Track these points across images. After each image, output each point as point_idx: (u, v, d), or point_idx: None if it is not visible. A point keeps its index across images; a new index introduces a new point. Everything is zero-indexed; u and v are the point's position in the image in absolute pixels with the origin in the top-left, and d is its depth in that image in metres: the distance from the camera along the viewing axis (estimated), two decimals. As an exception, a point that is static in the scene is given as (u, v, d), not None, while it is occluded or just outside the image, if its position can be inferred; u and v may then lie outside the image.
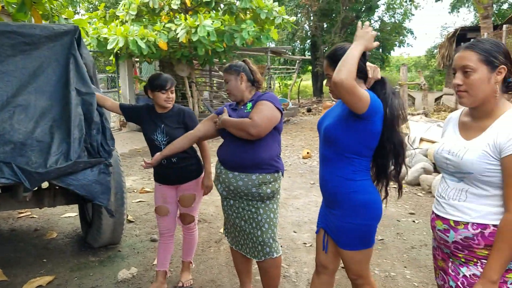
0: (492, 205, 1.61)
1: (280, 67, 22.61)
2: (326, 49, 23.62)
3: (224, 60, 11.44)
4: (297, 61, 15.93)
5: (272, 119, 2.60)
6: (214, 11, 11.24)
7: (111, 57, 10.95)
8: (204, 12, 11.14)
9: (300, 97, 22.33)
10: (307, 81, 29.73)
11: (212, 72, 13.13)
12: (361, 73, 2.11)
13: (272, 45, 18.24)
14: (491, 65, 1.61)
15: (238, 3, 10.44)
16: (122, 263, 3.72)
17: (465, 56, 1.64)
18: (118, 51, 10.08)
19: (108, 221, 3.74)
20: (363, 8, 26.10)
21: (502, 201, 1.59)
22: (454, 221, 1.68)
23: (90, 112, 3.15)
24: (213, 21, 9.54)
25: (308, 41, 26.17)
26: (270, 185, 2.66)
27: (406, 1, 27.51)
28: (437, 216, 1.77)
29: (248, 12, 11.12)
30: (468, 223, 1.64)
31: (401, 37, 28.01)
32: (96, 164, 3.13)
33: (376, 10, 27.40)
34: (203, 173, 3.24)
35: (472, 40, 1.74)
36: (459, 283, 1.69)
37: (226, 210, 2.85)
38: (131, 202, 5.52)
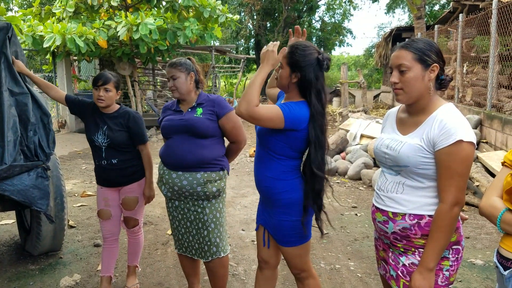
0: (427, 196, 1.71)
1: (225, 65, 22.55)
2: (269, 48, 23.78)
3: (168, 59, 11.24)
4: (242, 60, 15.93)
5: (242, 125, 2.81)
6: (155, 9, 11.03)
7: (48, 56, 10.44)
8: (145, 10, 10.89)
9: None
10: (251, 80, 29.74)
11: (155, 71, 12.87)
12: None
13: (217, 43, 18.18)
14: (424, 64, 1.69)
15: (180, 1, 10.28)
16: (64, 270, 3.57)
17: (401, 55, 1.72)
18: (55, 50, 9.62)
19: (48, 227, 3.57)
20: (305, 8, 26.61)
21: (436, 192, 1.69)
22: (393, 213, 1.76)
23: (25, 112, 2.99)
24: (155, 19, 9.34)
25: (252, 40, 26.32)
26: (216, 183, 2.67)
27: (345, 2, 28.35)
28: (377, 208, 1.84)
29: (190, 10, 11.00)
30: (405, 214, 1.72)
31: (341, 37, 28.83)
32: (33, 167, 2.99)
33: (317, 10, 28.05)
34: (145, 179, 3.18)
35: (406, 39, 1.83)
36: (399, 272, 1.77)
37: (171, 212, 2.82)
38: (72, 207, 5.30)
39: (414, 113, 1.79)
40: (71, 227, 4.58)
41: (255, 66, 27.17)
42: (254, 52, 26.64)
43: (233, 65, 22.33)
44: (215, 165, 2.68)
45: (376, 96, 19.17)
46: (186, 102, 2.76)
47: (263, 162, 2.22)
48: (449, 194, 1.61)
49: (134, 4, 10.71)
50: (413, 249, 1.74)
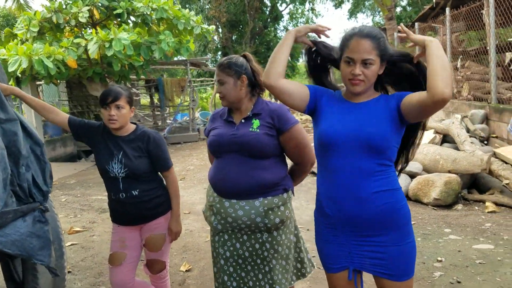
0: None
1: (196, 79, 22.08)
2: (238, 59, 23.54)
3: (142, 76, 10.63)
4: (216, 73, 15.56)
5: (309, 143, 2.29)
6: (125, 24, 10.40)
7: (11, 82, 9.60)
8: (112, 26, 10.26)
9: (216, 109, 21.92)
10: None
11: (132, 89, 12.21)
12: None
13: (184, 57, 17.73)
14: None
15: (153, 14, 9.71)
16: (70, 331, 2.92)
17: None
18: (20, 74, 8.83)
19: (46, 279, 2.91)
20: (269, 19, 26.56)
21: None
22: None
23: (15, 144, 2.36)
24: (129, 34, 8.73)
25: (219, 52, 25.98)
26: (279, 212, 2.16)
27: (307, 10, 28.51)
28: None
29: (161, 24, 10.45)
30: None
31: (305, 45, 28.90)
32: (29, 211, 2.37)
33: (281, 19, 28.09)
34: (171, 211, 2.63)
35: None
36: None
37: (216, 247, 2.27)
38: (61, 247, 4.60)
39: None
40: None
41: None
42: (222, 65, 26.31)
43: (202, 78, 21.87)
44: (276, 187, 2.17)
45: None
46: (240, 111, 2.25)
47: (369, 175, 1.72)
48: None
49: (102, 20, 10.05)
50: None
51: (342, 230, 1.81)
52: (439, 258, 3.64)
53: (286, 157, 2.30)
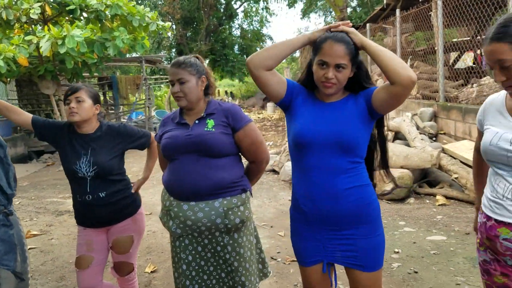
0: None
1: (150, 77, 21.66)
2: (194, 57, 23.32)
3: (96, 74, 10.34)
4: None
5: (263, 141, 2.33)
6: (77, 21, 10.06)
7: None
8: (63, 22, 9.88)
9: (171, 108, 21.64)
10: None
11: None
12: None
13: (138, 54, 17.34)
14: None
15: (107, 11, 9.46)
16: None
17: (496, 50, 1.43)
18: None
19: (9, 285, 2.83)
20: (224, 16, 26.50)
21: None
22: None
23: (-23, 146, 2.29)
24: (82, 30, 8.47)
25: (174, 50, 25.61)
26: (239, 212, 2.17)
27: (262, 9, 28.67)
28: (501, 222, 1.51)
29: (115, 20, 10.18)
30: None
31: (261, 43, 29.08)
32: (-8, 216, 2.30)
33: (236, 17, 28.10)
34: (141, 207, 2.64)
35: (495, 25, 1.48)
36: None
37: (178, 252, 2.24)
38: (18, 252, 4.44)
39: None
40: (26, 278, 3.79)
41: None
42: (177, 62, 25.97)
43: (157, 76, 21.50)
44: (234, 187, 2.18)
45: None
46: (193, 112, 2.24)
47: (342, 173, 1.81)
48: None
49: (54, 17, 9.68)
50: None
51: (317, 225, 1.88)
52: (396, 250, 3.84)
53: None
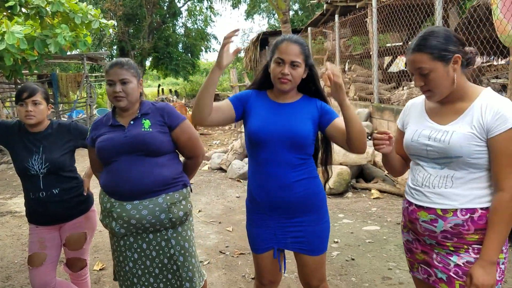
0: (478, 188, 1.66)
1: (91, 74, 21.02)
2: (136, 54, 22.93)
3: (36, 71, 9.99)
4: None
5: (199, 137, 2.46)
6: (17, 17, 9.66)
7: None
8: (1, 18, 9.46)
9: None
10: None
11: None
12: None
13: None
14: (444, 59, 1.64)
15: (49, 7, 9.18)
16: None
17: (417, 59, 1.66)
18: None
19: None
20: (168, 14, 26.21)
21: (487, 182, 1.66)
22: (442, 210, 1.68)
23: None
24: (22, 27, 8.18)
25: (115, 46, 24.97)
26: (182, 206, 2.26)
27: (206, 8, 28.64)
28: (420, 207, 1.75)
29: (55, 17, 9.89)
30: (456, 209, 1.65)
31: (206, 42, 29.06)
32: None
33: (180, 16, 27.86)
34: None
35: (417, 37, 1.74)
36: (451, 273, 1.68)
37: (122, 251, 2.25)
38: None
39: (448, 102, 1.73)
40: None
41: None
42: (118, 60, 25.37)
43: (101, 74, 20.94)
44: (175, 183, 2.26)
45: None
46: (127, 114, 2.25)
47: (292, 167, 2.04)
48: (510, 181, 1.58)
49: (-11, 10, 9.25)
50: (465, 247, 1.67)
51: (269, 214, 2.10)
52: (335, 240, 4.17)
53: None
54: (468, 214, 1.65)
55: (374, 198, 5.49)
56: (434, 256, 1.75)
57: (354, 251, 3.91)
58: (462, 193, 1.67)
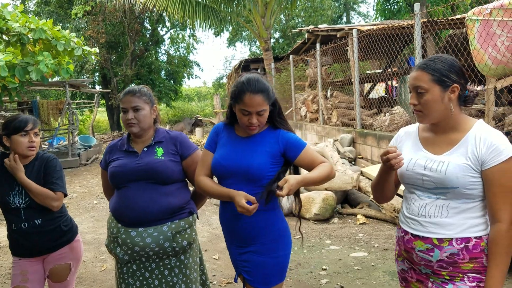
0: (472, 217, 1.68)
1: (72, 101, 20.88)
2: (119, 81, 22.88)
3: (16, 98, 9.85)
4: (96, 95, 14.94)
5: None
6: (-4, 42, 9.59)
7: None
8: (-20, 44, 9.38)
9: (94, 133, 20.97)
10: (99, 115, 28.27)
11: (1, 112, 11.17)
12: None
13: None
14: (443, 85, 1.68)
15: (30, 34, 9.14)
16: None
17: (418, 77, 1.71)
18: None
19: None
20: (151, 42, 26.37)
21: (481, 212, 1.68)
22: (438, 239, 1.69)
23: None
24: (3, 54, 8.11)
25: (97, 73, 24.91)
26: (186, 235, 2.28)
27: (188, 36, 28.93)
28: (416, 236, 1.75)
29: (37, 44, 9.85)
30: (451, 239, 1.67)
31: (188, 69, 29.24)
32: None
33: (163, 43, 28.06)
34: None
35: (427, 58, 1.80)
36: None
37: (125, 279, 2.26)
38: None
39: (442, 132, 1.76)
40: None
41: (103, 101, 25.74)
42: (100, 86, 25.31)
43: (83, 100, 20.80)
44: (182, 211, 2.30)
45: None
46: (141, 140, 2.33)
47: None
48: (506, 213, 1.60)
49: (-31, 37, 9.17)
50: (460, 275, 1.67)
51: (230, 240, 2.20)
52: (323, 267, 4.14)
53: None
54: (463, 243, 1.67)
55: (360, 224, 5.49)
56: (430, 285, 1.75)
57: (343, 279, 3.88)
58: (457, 223, 1.68)
